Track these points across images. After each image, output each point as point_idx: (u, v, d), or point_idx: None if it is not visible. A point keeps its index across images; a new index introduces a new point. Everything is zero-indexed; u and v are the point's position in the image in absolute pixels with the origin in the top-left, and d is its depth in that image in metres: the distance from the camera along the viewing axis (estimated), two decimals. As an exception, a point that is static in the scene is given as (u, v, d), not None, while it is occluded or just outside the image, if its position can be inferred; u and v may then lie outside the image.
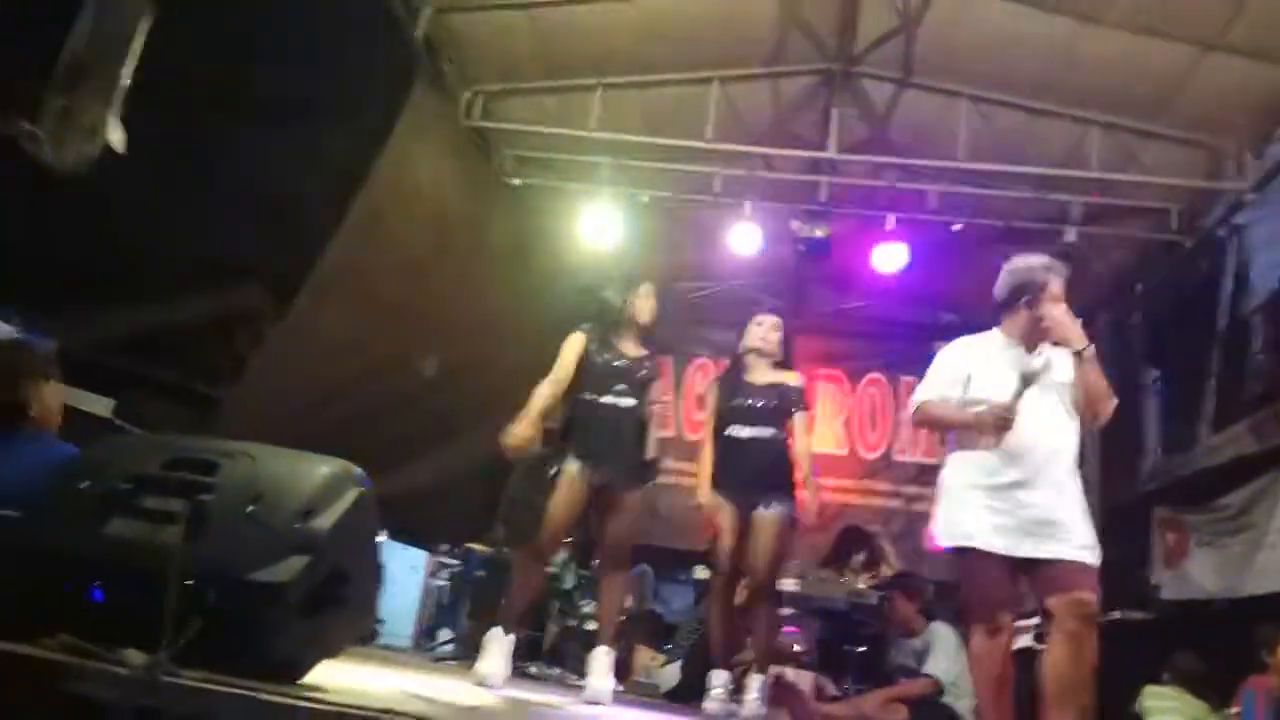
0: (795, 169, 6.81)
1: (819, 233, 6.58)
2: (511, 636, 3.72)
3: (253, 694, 1.66)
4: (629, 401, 3.85)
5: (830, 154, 6.32)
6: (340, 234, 5.06)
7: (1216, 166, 5.94)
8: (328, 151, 5.24)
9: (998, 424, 2.97)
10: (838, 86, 6.25)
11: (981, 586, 3.04)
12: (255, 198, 4.99)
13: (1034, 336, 3.15)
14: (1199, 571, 7.13)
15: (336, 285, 5.13)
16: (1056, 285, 3.16)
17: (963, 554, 3.04)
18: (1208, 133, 5.83)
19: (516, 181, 6.84)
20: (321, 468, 2.24)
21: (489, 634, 3.73)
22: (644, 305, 4.00)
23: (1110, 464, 7.97)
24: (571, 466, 3.78)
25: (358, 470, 2.31)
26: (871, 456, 8.27)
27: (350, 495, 2.22)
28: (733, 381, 4.27)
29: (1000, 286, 3.29)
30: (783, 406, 4.11)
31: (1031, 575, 2.99)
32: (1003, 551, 2.96)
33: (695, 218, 7.10)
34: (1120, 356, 8.37)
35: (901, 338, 8.26)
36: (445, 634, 6.21)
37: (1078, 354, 3.05)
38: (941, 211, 6.54)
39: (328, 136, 5.21)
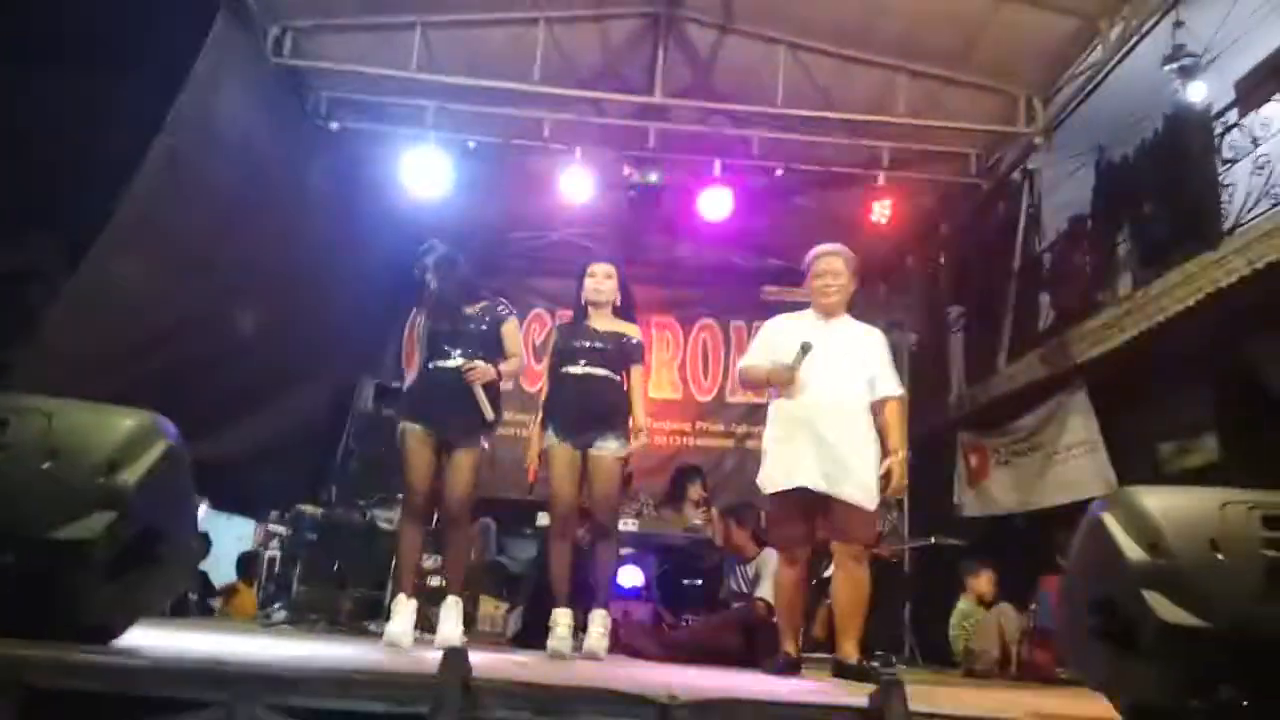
0: (624, 115, 6.82)
1: (651, 179, 6.65)
2: (414, 600, 3.89)
3: (60, 655, 1.55)
4: (457, 361, 3.95)
5: (657, 99, 6.37)
6: (137, 181, 4.69)
7: (1011, 113, 6.37)
8: (121, 93, 4.83)
9: (782, 380, 3.70)
10: (663, 30, 6.27)
11: (783, 525, 3.75)
12: (41, 145, 4.55)
13: (817, 303, 3.90)
14: (998, 489, 7.81)
15: (136, 236, 4.76)
16: (823, 263, 3.89)
17: (772, 498, 3.74)
18: (1003, 81, 6.25)
19: (335, 125, 6.52)
20: (125, 420, 2.11)
21: (394, 600, 3.91)
22: (429, 276, 4.04)
23: (921, 397, 8.55)
24: (414, 427, 3.95)
25: (165, 421, 2.18)
26: (705, 399, 8.52)
27: (158, 448, 2.11)
28: (573, 327, 4.28)
29: None
30: (620, 355, 4.14)
31: (821, 513, 3.63)
32: (791, 484, 3.61)
33: (526, 164, 7.01)
34: (929, 295, 8.95)
35: (731, 283, 8.49)
36: (277, 605, 5.98)
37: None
38: (764, 157, 6.75)
39: (120, 77, 4.79)
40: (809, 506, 3.64)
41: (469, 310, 4.10)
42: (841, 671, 3.49)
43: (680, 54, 6.44)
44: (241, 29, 5.55)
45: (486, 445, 4.08)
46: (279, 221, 5.97)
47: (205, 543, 6.61)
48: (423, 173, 6.39)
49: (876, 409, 3.76)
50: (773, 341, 3.90)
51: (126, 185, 4.67)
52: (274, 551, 6.51)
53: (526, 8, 6.09)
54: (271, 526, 6.50)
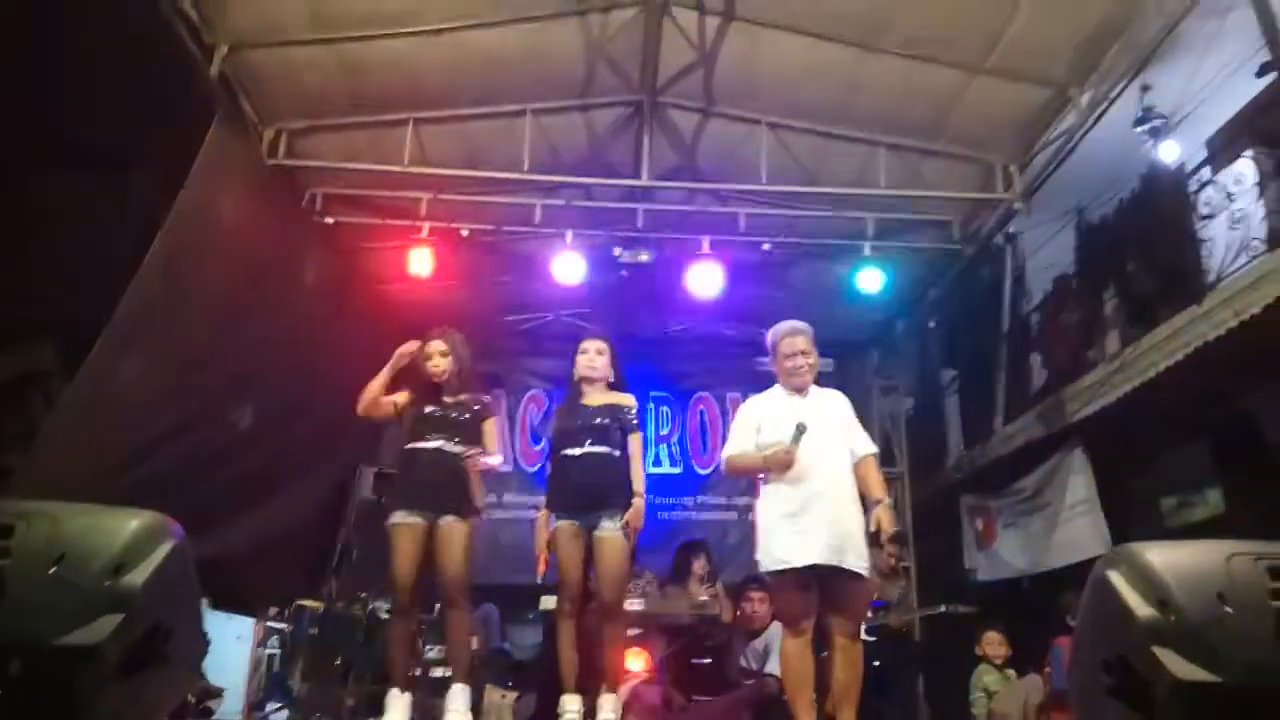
0: (612, 198, 6.97)
1: (641, 258, 6.76)
2: (408, 694, 3.91)
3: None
4: (439, 443, 4.08)
5: (644, 182, 6.52)
6: (136, 282, 4.74)
7: (989, 180, 6.53)
8: (119, 197, 4.94)
9: (781, 464, 3.69)
10: (646, 117, 6.45)
11: (788, 600, 3.75)
12: (41, 249, 4.64)
13: (788, 380, 3.95)
14: (1008, 551, 7.76)
15: (136, 337, 4.80)
16: (789, 344, 3.93)
17: (774, 574, 3.74)
18: (979, 149, 6.42)
19: (330, 220, 6.64)
20: (130, 521, 2.11)
21: (388, 696, 3.91)
22: (430, 366, 4.24)
23: (920, 462, 8.57)
24: (397, 517, 4.01)
25: (170, 521, 2.19)
26: (705, 472, 8.50)
27: (164, 547, 2.10)
28: (569, 407, 4.33)
29: None
30: (615, 426, 4.18)
31: (823, 585, 3.64)
32: (804, 562, 3.60)
33: (519, 249, 7.12)
34: (921, 359, 9.04)
35: (725, 356, 8.56)
36: (275, 704, 5.85)
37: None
38: (751, 233, 6.87)
39: (119, 182, 4.91)
40: (813, 579, 3.65)
41: (456, 399, 4.21)
42: None
43: (665, 138, 6.61)
44: (237, 133, 5.70)
45: (477, 524, 4.12)
46: (277, 316, 6.04)
47: (205, 642, 6.49)
48: (417, 262, 6.49)
49: (857, 467, 3.86)
50: (754, 424, 3.93)
51: (125, 288, 4.72)
52: (272, 650, 6.38)
53: (514, 101, 6.27)
54: (270, 623, 6.39)
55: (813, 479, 3.70)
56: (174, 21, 5.04)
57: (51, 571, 1.92)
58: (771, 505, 3.81)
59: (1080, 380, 6.72)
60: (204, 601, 4.49)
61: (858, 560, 3.63)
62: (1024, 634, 6.17)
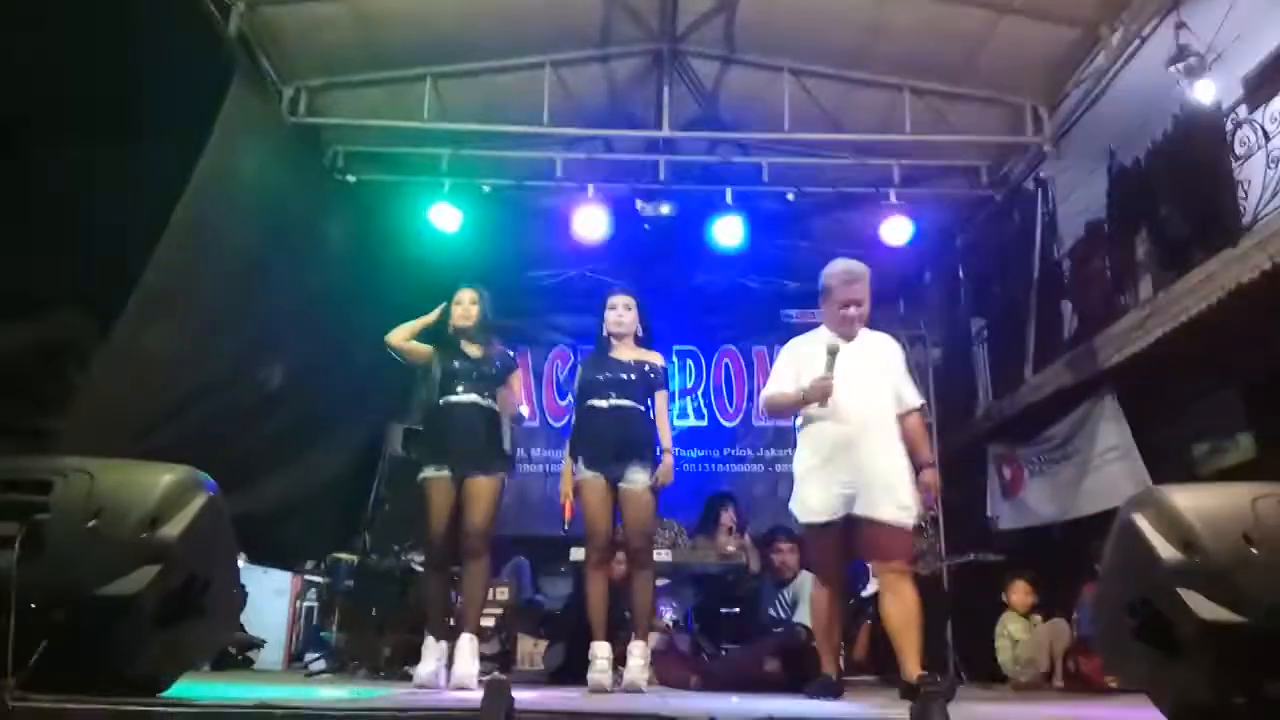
0: (633, 150, 6.91)
1: (663, 210, 6.72)
2: (444, 643, 3.97)
3: (114, 706, 1.60)
4: (471, 397, 4.12)
5: (665, 132, 6.45)
6: (161, 247, 4.79)
7: (1018, 123, 6.39)
8: (141, 159, 4.95)
9: (819, 391, 3.62)
10: (667, 66, 6.37)
11: (819, 550, 3.84)
12: (66, 215, 4.67)
13: (838, 326, 3.84)
14: (1035, 500, 7.72)
15: (163, 301, 4.86)
16: (845, 293, 3.79)
17: (805, 525, 3.78)
18: (1007, 92, 6.28)
19: (351, 178, 6.65)
20: (165, 476, 2.17)
21: (424, 645, 3.99)
22: (459, 312, 4.27)
23: (948, 412, 8.51)
24: (429, 471, 4.07)
25: (203, 475, 2.24)
26: (731, 425, 8.51)
27: (198, 501, 2.16)
28: (597, 360, 4.35)
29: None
30: (643, 383, 4.19)
31: (859, 532, 3.60)
32: (838, 517, 3.60)
33: (540, 204, 7.10)
34: (949, 308, 8.94)
35: (750, 308, 8.51)
36: (313, 655, 6.00)
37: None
38: (774, 182, 6.79)
39: (141, 144, 4.92)
40: (847, 531, 3.63)
41: (483, 352, 4.24)
42: (908, 693, 3.40)
43: (685, 87, 6.54)
44: (257, 91, 5.70)
45: (506, 480, 4.18)
46: (302, 275, 6.08)
47: (243, 594, 6.66)
48: (439, 219, 6.50)
49: (901, 421, 3.76)
50: (795, 365, 3.86)
51: (151, 251, 4.77)
52: (310, 602, 6.53)
53: (532, 53, 6.21)
54: (308, 577, 6.54)
55: (845, 421, 3.63)
56: (191, -19, 5.03)
57: (90, 525, 1.98)
58: (805, 453, 3.78)
59: (1112, 327, 6.62)
60: (241, 556, 4.63)
61: (895, 512, 3.53)
62: (1053, 581, 6.17)
